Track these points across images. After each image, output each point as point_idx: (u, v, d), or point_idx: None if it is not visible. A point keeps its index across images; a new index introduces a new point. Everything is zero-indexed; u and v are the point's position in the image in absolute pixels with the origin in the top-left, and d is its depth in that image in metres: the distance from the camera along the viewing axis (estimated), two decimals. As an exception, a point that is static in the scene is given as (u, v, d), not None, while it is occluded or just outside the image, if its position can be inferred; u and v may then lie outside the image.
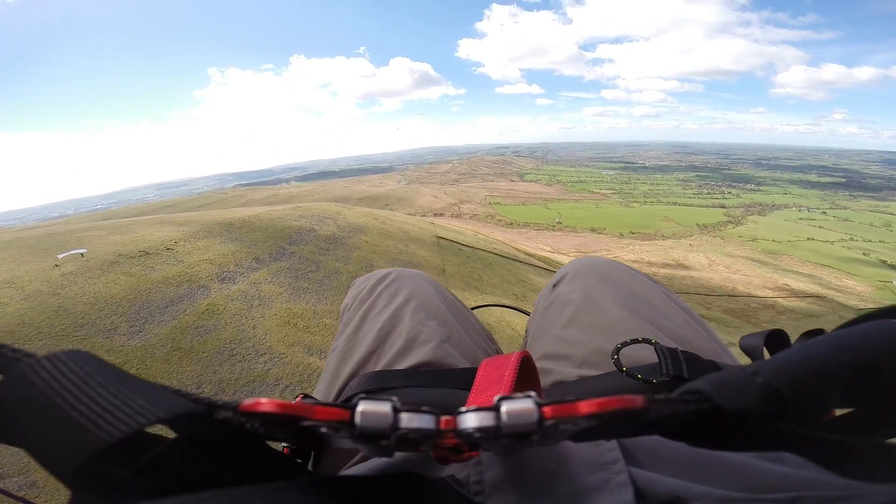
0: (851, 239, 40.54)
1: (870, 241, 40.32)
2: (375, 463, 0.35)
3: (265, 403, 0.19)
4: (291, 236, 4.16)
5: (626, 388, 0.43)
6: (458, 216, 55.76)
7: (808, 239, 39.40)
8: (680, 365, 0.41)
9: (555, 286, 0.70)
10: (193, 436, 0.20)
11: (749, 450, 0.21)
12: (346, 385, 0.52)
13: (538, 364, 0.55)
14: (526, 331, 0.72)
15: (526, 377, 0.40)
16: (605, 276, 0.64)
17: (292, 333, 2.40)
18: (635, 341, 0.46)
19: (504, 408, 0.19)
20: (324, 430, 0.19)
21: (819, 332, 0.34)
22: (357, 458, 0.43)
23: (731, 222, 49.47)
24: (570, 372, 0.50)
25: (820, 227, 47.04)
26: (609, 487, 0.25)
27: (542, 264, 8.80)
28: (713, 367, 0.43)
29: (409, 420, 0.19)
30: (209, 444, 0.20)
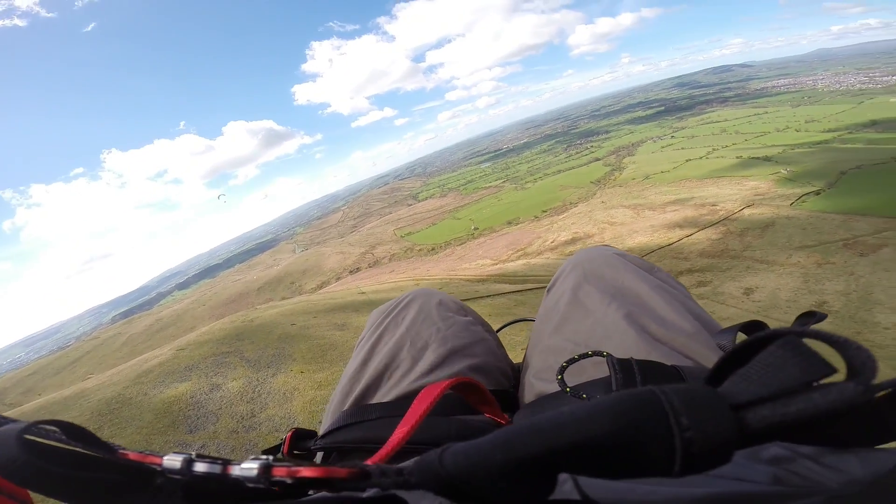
0: (714, 150, 46.95)
1: (726, 146, 47.22)
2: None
3: (130, 454, 0.25)
4: (188, 416, 2.74)
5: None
6: (375, 264, 50.99)
7: (687, 161, 44.30)
8: (633, 378, 0.40)
9: (549, 291, 0.69)
10: None
11: None
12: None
13: (529, 378, 0.56)
14: (529, 339, 0.72)
15: (480, 401, 0.41)
16: (593, 272, 0.62)
17: None
18: (584, 356, 0.45)
19: (241, 464, 0.23)
20: (161, 470, 0.24)
21: (760, 325, 0.33)
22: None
23: (615, 170, 53.80)
24: (550, 387, 0.50)
25: (682, 148, 53.96)
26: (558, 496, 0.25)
27: (509, 288, 7.92)
28: (676, 375, 0.41)
29: (199, 467, 0.24)
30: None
